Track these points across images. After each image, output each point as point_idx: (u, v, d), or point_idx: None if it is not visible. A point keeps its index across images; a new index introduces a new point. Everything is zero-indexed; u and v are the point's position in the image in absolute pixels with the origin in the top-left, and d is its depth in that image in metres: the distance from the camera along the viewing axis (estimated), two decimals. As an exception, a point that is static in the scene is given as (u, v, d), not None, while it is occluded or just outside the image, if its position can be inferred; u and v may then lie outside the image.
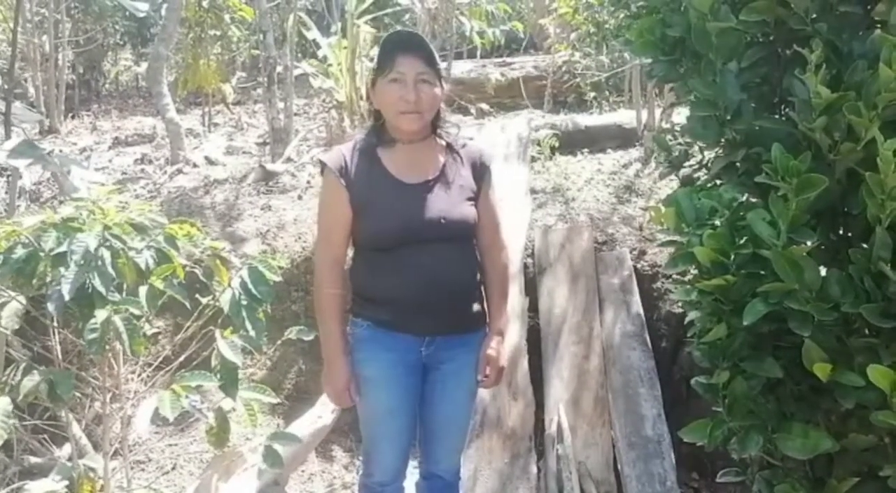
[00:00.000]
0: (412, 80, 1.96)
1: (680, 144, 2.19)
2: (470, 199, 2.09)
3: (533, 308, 3.65)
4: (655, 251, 3.81)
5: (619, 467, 3.15)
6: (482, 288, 2.16)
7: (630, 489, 3.02)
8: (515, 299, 3.57)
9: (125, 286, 2.13)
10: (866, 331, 1.36)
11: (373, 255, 2.08)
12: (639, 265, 3.78)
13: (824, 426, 1.47)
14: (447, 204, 2.04)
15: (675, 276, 1.84)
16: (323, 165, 2.08)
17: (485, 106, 6.60)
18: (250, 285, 2.21)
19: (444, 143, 2.11)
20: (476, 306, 2.14)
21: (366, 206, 2.03)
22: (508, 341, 3.43)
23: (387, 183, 2.04)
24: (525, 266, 3.78)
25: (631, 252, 3.84)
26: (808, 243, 1.37)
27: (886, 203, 1.24)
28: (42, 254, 2.01)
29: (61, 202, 3.51)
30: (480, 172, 2.13)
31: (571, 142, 5.07)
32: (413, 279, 2.03)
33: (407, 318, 2.06)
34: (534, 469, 3.09)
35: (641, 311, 3.56)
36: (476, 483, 2.99)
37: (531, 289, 3.72)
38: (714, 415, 1.64)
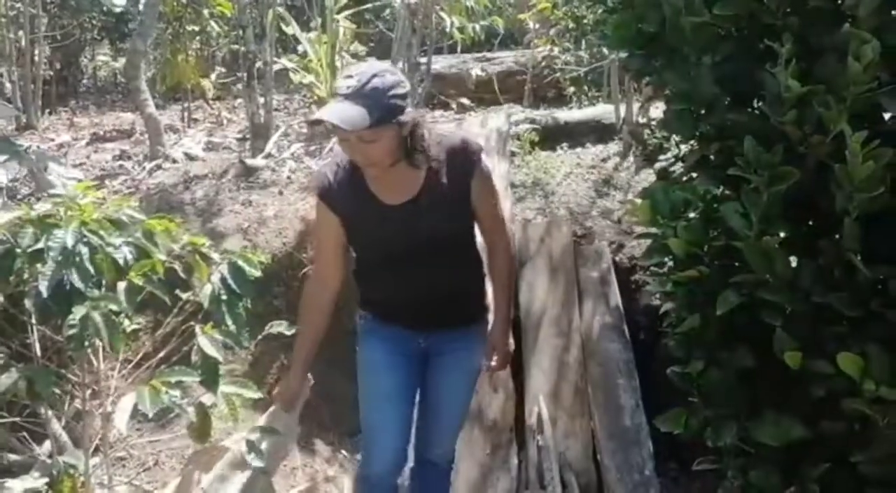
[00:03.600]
0: (355, 142, 1.89)
1: (656, 137, 2.22)
2: (461, 204, 2.03)
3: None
4: (634, 244, 3.85)
5: (598, 457, 3.19)
6: (482, 283, 2.19)
7: (609, 478, 3.06)
8: (496, 292, 3.59)
9: (104, 283, 2.12)
10: (836, 320, 1.39)
11: (366, 267, 2.14)
12: (617, 258, 3.82)
13: (796, 414, 1.50)
14: (434, 221, 2.01)
15: (651, 268, 1.86)
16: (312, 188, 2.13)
17: (465, 101, 6.60)
18: (230, 280, 2.20)
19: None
20: (475, 304, 2.18)
21: (353, 228, 2.06)
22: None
23: (371, 206, 2.02)
24: (506, 260, 3.79)
25: (610, 245, 3.87)
26: (780, 235, 1.40)
27: (855, 195, 1.27)
28: (19, 251, 1.99)
29: (38, 199, 3.48)
30: (468, 168, 2.02)
31: (551, 136, 5.09)
32: (405, 293, 2.08)
33: (404, 319, 2.13)
34: (514, 460, 3.11)
35: (620, 303, 3.59)
36: (457, 475, 3.00)
37: (512, 283, 3.74)
38: (690, 405, 1.68)
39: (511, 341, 2.25)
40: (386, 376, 2.14)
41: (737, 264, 1.49)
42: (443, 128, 2.15)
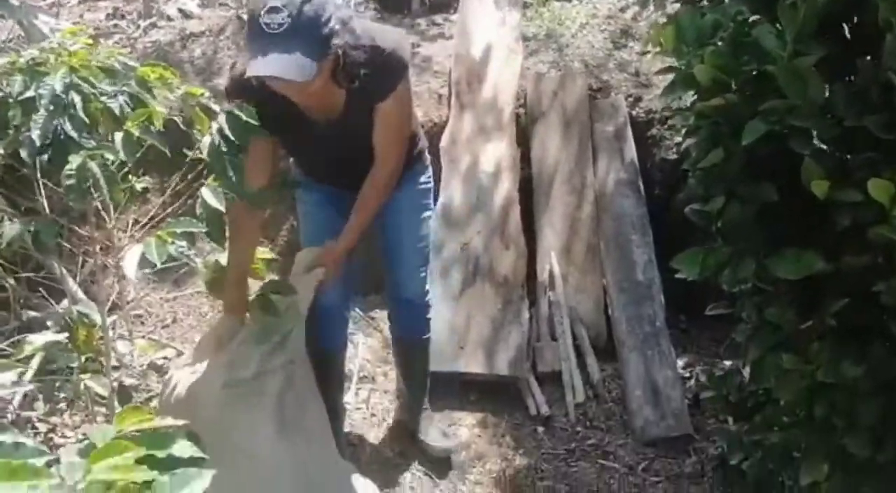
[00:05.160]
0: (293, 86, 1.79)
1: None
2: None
3: (525, 158, 3.58)
4: (651, 97, 3.70)
5: (609, 311, 3.22)
6: (415, 138, 2.24)
7: (620, 330, 3.10)
8: (506, 149, 3.51)
9: (106, 136, 2.06)
10: (869, 146, 1.31)
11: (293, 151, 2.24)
12: (634, 112, 3.69)
13: (819, 248, 1.45)
14: (359, 135, 2.01)
15: (670, 105, 1.77)
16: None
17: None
18: (228, 132, 2.14)
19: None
20: (409, 157, 2.20)
21: (277, 135, 2.03)
22: (500, 190, 3.40)
23: (293, 118, 1.97)
24: (517, 116, 3.67)
25: (626, 99, 3.73)
26: (815, 56, 1.30)
27: (902, 3, 1.15)
28: (11, 100, 1.92)
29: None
30: (383, 89, 1.97)
31: (566, -14, 4.79)
32: (338, 178, 2.18)
33: (336, 184, 2.22)
34: (526, 315, 3.14)
35: (636, 158, 3.50)
36: (469, 329, 3.05)
37: (523, 139, 3.64)
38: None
39: (337, 266, 2.16)
40: (323, 211, 2.24)
41: (766, 93, 1.39)
42: (370, 25, 2.01)
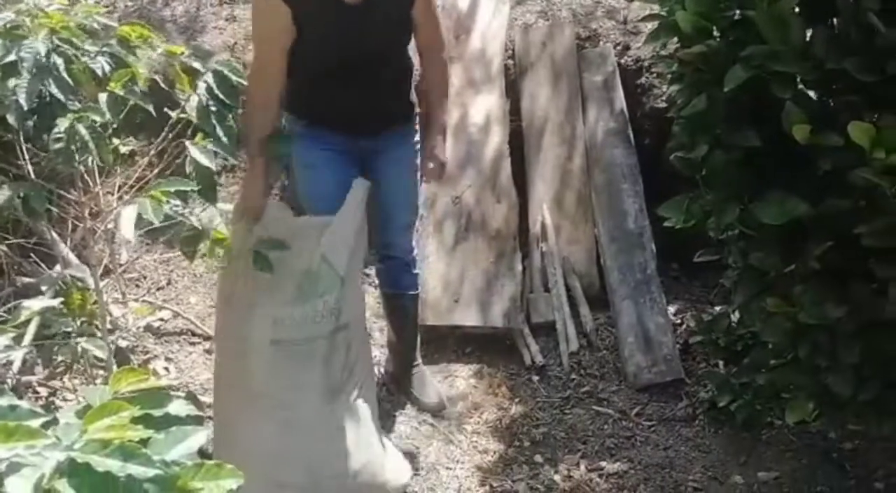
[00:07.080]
0: None
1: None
2: (408, 15, 2.04)
3: (515, 111, 3.56)
4: (640, 45, 3.66)
5: (601, 261, 3.24)
6: (411, 80, 2.22)
7: (612, 279, 3.13)
8: (495, 102, 3.48)
9: (87, 99, 2.04)
10: (849, 89, 1.31)
11: (307, 74, 2.09)
12: (622, 61, 3.64)
13: (801, 193, 1.47)
14: (385, 28, 2.01)
15: (657, 52, 1.76)
16: None
17: None
18: (216, 90, 2.12)
19: None
20: (408, 104, 2.23)
21: (306, 27, 1.98)
22: (490, 144, 3.40)
23: (328, 2, 1.95)
24: (505, 68, 3.64)
25: (615, 47, 3.68)
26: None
27: (882, -58, 1.14)
28: (-9, 65, 1.90)
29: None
30: None
31: (553, -67, 4.69)
32: (346, 104, 2.09)
33: (339, 126, 2.15)
34: (519, 267, 3.17)
35: (625, 108, 3.48)
36: (463, 283, 3.08)
37: (512, 91, 3.61)
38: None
39: (447, 153, 2.34)
40: (324, 176, 2.19)
41: (748, 39, 1.38)
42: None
